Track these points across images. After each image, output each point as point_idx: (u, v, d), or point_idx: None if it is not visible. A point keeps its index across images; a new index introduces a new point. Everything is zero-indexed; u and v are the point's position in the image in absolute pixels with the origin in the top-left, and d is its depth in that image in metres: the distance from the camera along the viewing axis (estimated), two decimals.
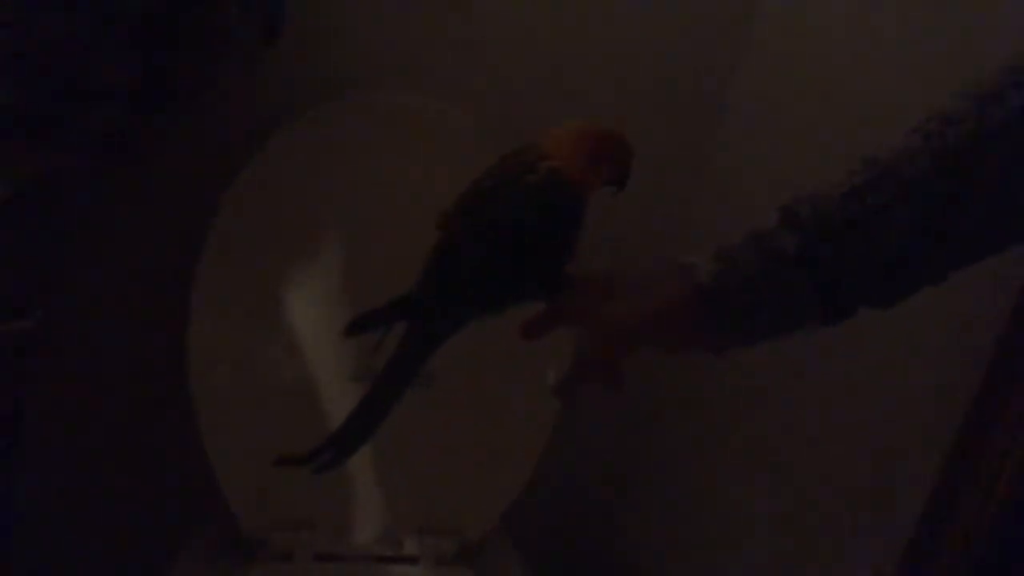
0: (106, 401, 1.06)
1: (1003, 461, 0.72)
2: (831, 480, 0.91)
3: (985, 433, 0.73)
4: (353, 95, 0.97)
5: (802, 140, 0.97)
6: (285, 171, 0.94)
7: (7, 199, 0.76)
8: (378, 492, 1.04)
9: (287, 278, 0.97)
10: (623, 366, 0.60)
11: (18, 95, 0.72)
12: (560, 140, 0.62)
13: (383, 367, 0.62)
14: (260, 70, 0.96)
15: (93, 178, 0.91)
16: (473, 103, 0.99)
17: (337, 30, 0.98)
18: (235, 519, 0.99)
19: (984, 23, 0.76)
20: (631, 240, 1.08)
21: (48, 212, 0.86)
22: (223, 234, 0.93)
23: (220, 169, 0.93)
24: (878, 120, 0.68)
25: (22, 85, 0.72)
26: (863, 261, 0.55)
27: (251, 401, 0.98)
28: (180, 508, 1.08)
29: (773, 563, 0.97)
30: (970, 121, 0.53)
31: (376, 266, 0.97)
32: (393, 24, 1.00)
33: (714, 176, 1.12)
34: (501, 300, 0.62)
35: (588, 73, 1.05)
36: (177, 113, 0.89)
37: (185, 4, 0.78)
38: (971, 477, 0.74)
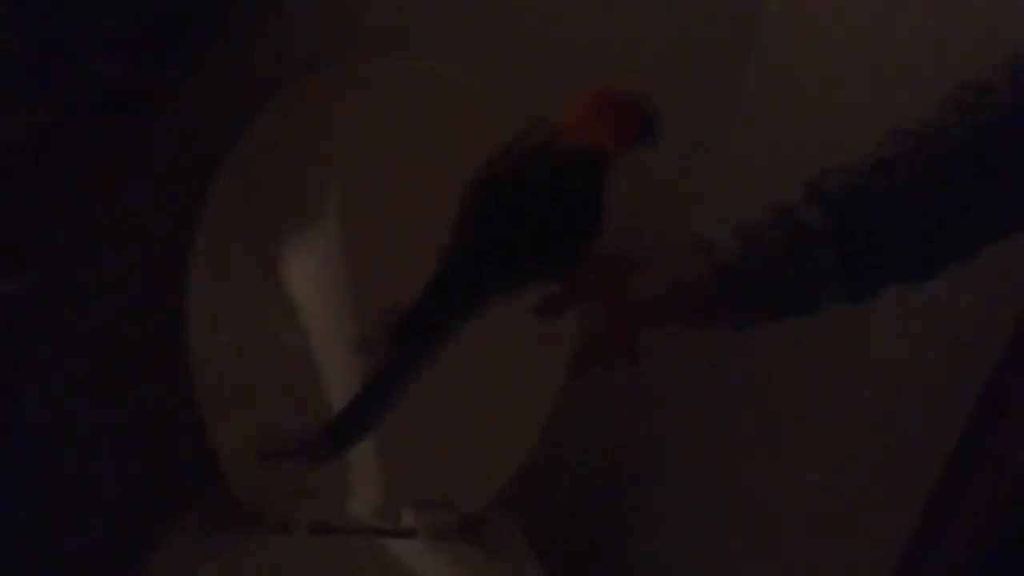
0: (102, 369, 1.05)
1: (1006, 459, 0.71)
2: (835, 473, 0.90)
3: (991, 429, 0.72)
4: (362, 59, 0.95)
5: (817, 129, 0.96)
6: (289, 136, 0.92)
7: (3, 153, 0.74)
8: (377, 464, 1.03)
9: (289, 246, 0.95)
10: (639, 343, 0.60)
11: (18, 44, 0.70)
12: (573, 114, 0.60)
13: (392, 352, 0.58)
14: (268, 31, 0.94)
15: (94, 135, 0.89)
16: (485, 71, 0.97)
17: None
18: (233, 489, 0.98)
19: (1001, 11, 0.75)
20: (641, 229, 1.07)
21: (46, 169, 0.84)
22: (224, 199, 0.91)
23: (223, 132, 0.91)
24: (894, 108, 0.67)
25: (22, 34, 0.70)
26: (892, 236, 0.53)
27: (250, 370, 0.96)
28: (178, 478, 1.07)
29: (774, 551, 0.97)
30: (1004, 91, 0.52)
31: (382, 234, 0.96)
32: None
33: (727, 164, 1.11)
34: (523, 278, 0.60)
35: (602, 52, 1.04)
36: (180, 71, 0.87)
37: None
38: (975, 476, 0.73)
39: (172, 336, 0.93)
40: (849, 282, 0.55)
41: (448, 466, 1.05)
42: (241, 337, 0.96)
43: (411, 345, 0.58)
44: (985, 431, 0.73)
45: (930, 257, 0.55)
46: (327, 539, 1.01)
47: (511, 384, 1.03)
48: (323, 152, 0.94)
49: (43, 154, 0.82)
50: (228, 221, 0.92)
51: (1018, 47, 0.53)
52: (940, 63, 0.77)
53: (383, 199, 0.96)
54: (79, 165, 0.93)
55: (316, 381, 0.97)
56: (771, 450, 0.99)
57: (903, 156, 0.53)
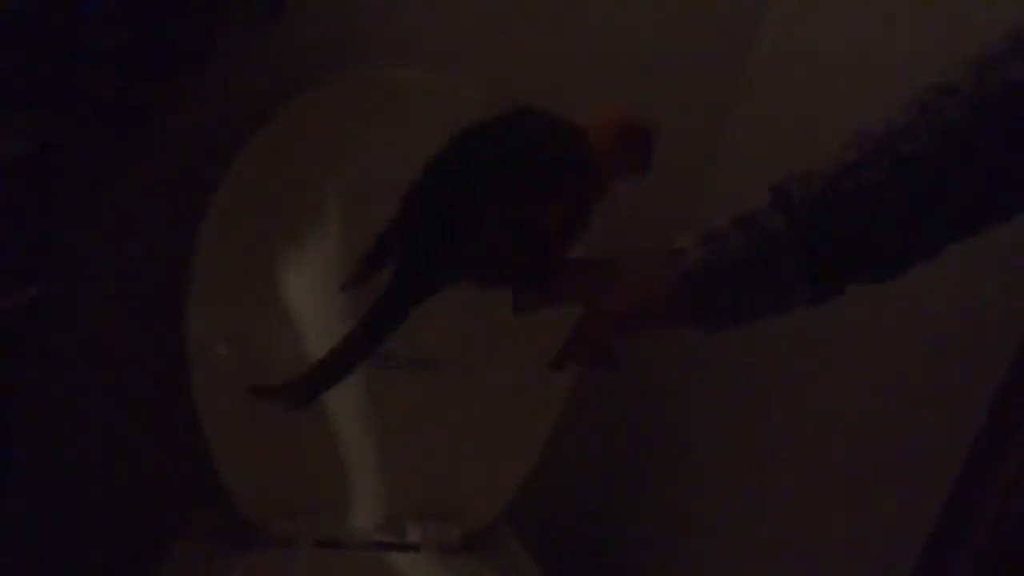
0: (103, 381, 1.05)
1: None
2: (837, 480, 0.88)
3: (1007, 431, 0.70)
4: (363, 70, 0.95)
5: (817, 128, 0.94)
6: (289, 147, 0.92)
7: (2, 166, 0.75)
8: (380, 479, 1.02)
9: (289, 257, 0.95)
10: (615, 350, 0.61)
11: (16, 59, 0.71)
12: (597, 120, 0.62)
13: (370, 307, 0.62)
14: (265, 42, 0.95)
15: (93, 148, 0.90)
16: (484, 79, 0.97)
17: (345, 3, 0.96)
18: (235, 504, 0.97)
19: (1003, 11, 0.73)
20: (642, 228, 1.06)
21: (45, 182, 0.85)
22: (224, 210, 0.91)
23: (222, 143, 0.91)
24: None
25: (17, 49, 0.71)
26: (857, 240, 0.53)
27: (252, 383, 0.96)
28: (179, 493, 1.07)
29: (775, 556, 0.95)
30: (968, 91, 0.51)
31: None
32: None
33: (727, 164, 1.10)
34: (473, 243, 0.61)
35: (600, 56, 1.03)
36: (178, 83, 0.87)
37: None
38: (990, 478, 0.71)
39: (173, 349, 0.93)
40: (814, 286, 0.55)
41: (452, 480, 1.04)
42: (242, 349, 0.95)
43: (381, 304, 0.62)
44: (996, 445, 0.71)
45: (895, 259, 0.55)
46: (331, 554, 1.00)
47: (514, 399, 1.02)
48: (323, 163, 0.94)
49: (42, 168, 0.83)
50: (228, 232, 0.92)
51: (982, 47, 0.52)
52: (941, 62, 0.76)
53: (383, 210, 0.95)
54: (78, 179, 0.93)
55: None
56: (774, 459, 0.97)
57: (868, 160, 0.53)
